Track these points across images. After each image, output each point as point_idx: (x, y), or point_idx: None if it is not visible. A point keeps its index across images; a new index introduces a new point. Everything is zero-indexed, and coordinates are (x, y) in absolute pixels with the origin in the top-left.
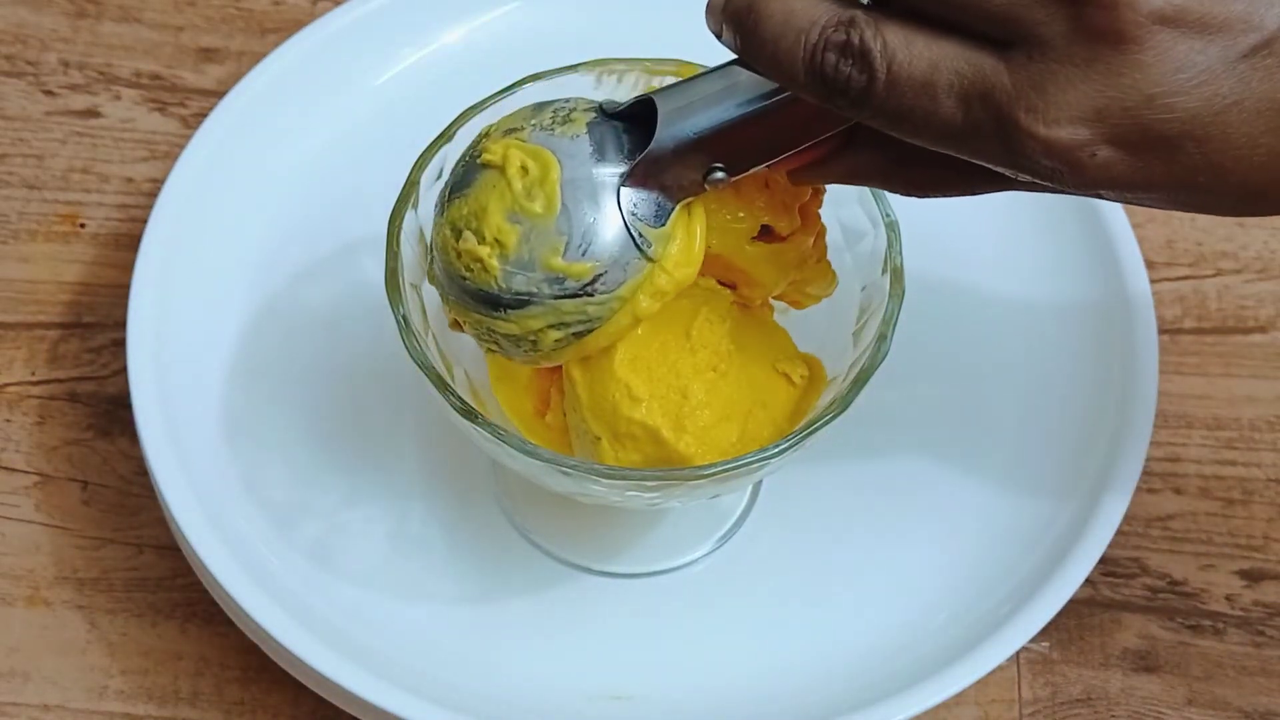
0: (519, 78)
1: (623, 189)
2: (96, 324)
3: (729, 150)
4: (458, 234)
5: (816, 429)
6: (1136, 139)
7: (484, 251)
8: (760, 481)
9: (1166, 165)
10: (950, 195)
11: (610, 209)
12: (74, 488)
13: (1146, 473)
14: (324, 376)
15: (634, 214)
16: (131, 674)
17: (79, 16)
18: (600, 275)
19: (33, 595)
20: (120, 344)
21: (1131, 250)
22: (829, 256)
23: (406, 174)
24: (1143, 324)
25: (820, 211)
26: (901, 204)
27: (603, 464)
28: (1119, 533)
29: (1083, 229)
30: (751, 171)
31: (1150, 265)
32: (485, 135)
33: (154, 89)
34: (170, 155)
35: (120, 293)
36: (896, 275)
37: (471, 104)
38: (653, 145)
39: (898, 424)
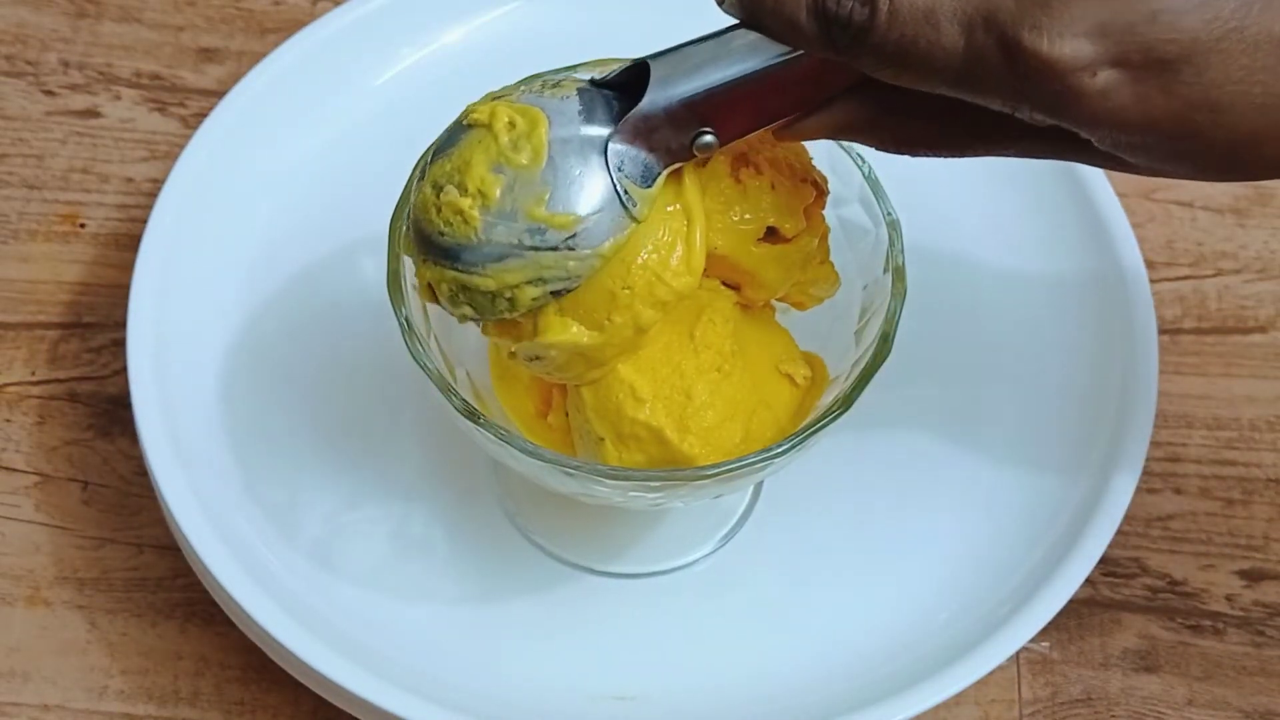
0: (519, 78)
1: (610, 146)
2: (96, 324)
3: (719, 113)
4: (438, 190)
5: (819, 428)
6: (1138, 60)
7: (465, 203)
8: (762, 482)
9: (1165, 96)
10: (940, 153)
11: (596, 164)
12: (74, 488)
13: (1146, 473)
14: (324, 377)
15: (620, 170)
16: (131, 674)
17: (79, 16)
18: (583, 228)
19: (33, 595)
20: (120, 344)
21: (1131, 251)
22: (831, 256)
23: (406, 174)
24: (1143, 324)
25: (823, 212)
26: (902, 205)
27: (606, 465)
28: (1119, 533)
29: (1083, 229)
30: (741, 138)
31: (1150, 265)
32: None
33: (154, 89)
34: (170, 155)
35: (120, 293)
36: (899, 274)
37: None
38: (643, 102)
39: (898, 425)
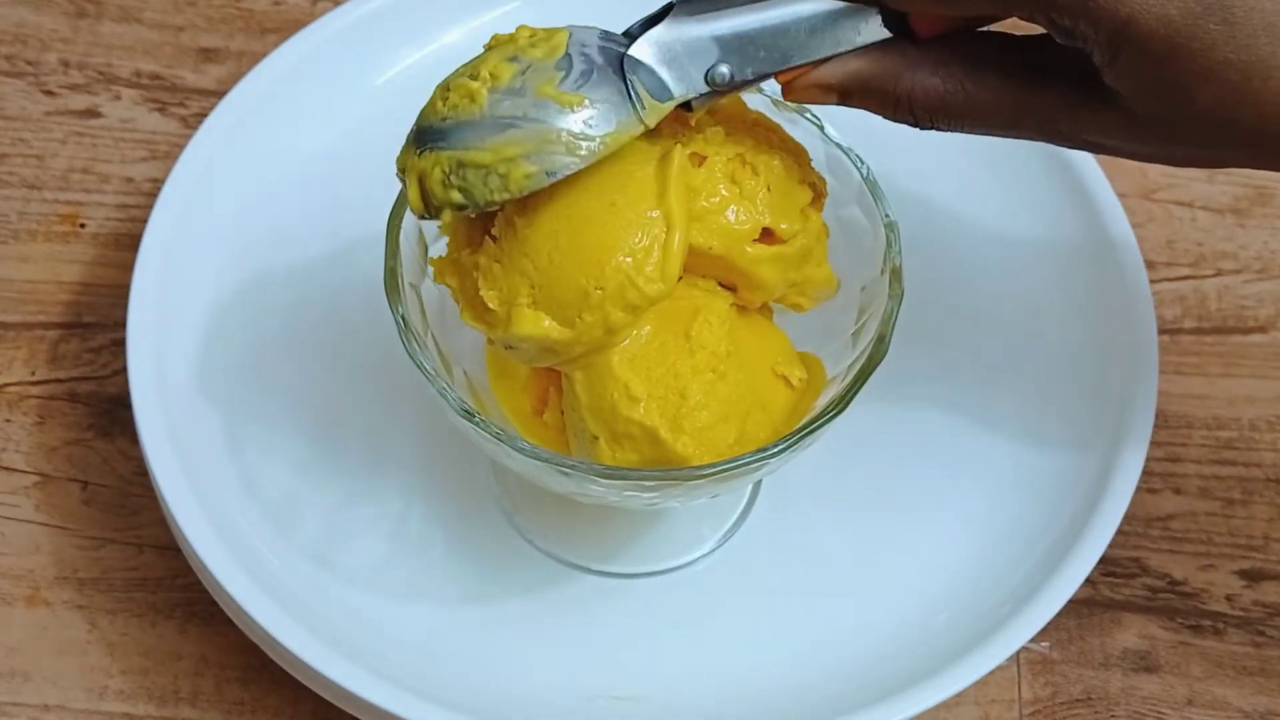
0: None
1: (627, 56)
2: (96, 324)
3: (738, 48)
4: (447, 87)
5: (813, 429)
6: None
7: (475, 85)
8: (760, 481)
9: (1189, 25)
10: (949, 120)
11: (612, 68)
12: (74, 488)
13: (1146, 473)
14: (324, 376)
15: (635, 76)
16: (131, 674)
17: (79, 16)
18: (590, 112)
19: (33, 595)
20: (120, 344)
21: (1131, 251)
22: (832, 260)
23: None
24: (1143, 324)
25: (820, 214)
26: (901, 205)
27: (600, 463)
28: (1119, 533)
29: (1083, 230)
30: (755, 81)
31: (1150, 265)
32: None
33: (154, 89)
34: (170, 155)
35: (120, 293)
36: (895, 275)
37: None
38: (664, 23)
39: (897, 425)
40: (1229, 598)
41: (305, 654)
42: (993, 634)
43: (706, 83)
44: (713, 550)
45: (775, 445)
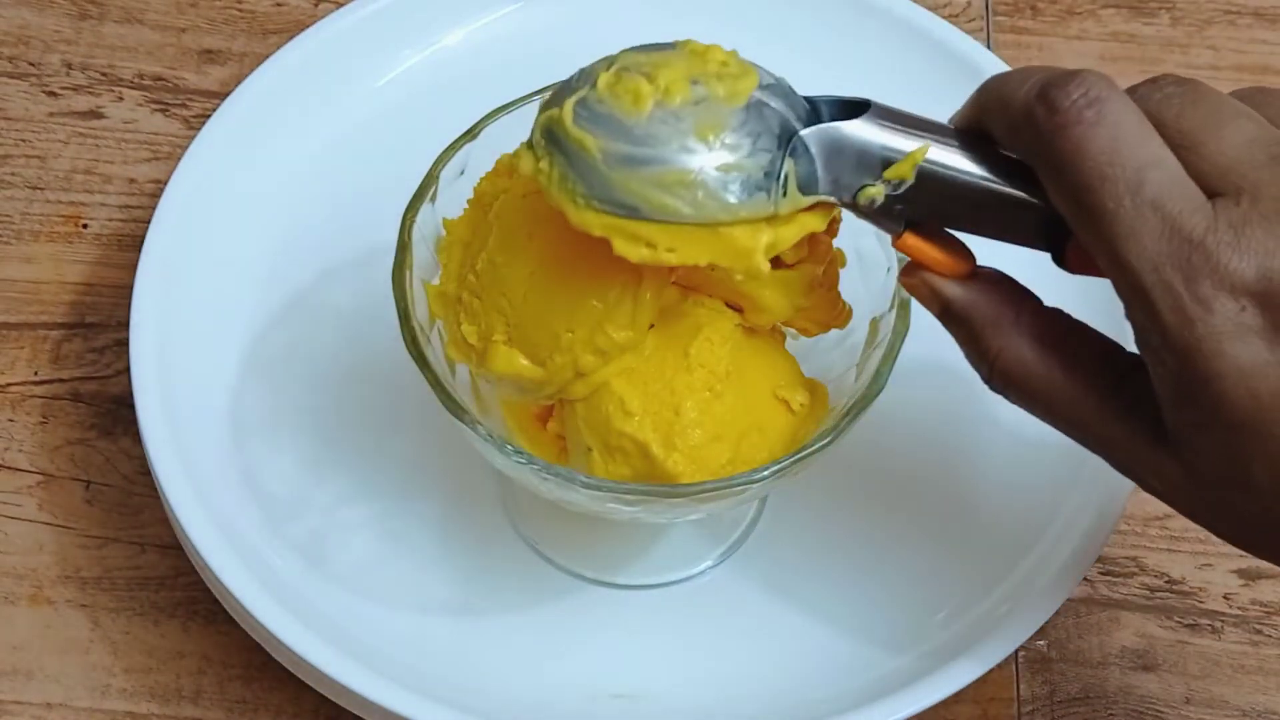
0: (525, 80)
1: (798, 136)
2: (99, 324)
3: (903, 179)
4: (623, 70)
5: (801, 458)
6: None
7: (646, 88)
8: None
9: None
10: (1023, 400)
11: (777, 140)
12: (77, 487)
13: None
14: (327, 376)
15: (794, 160)
16: (134, 672)
17: (81, 18)
18: (732, 176)
19: (36, 594)
20: (123, 344)
21: None
22: (844, 288)
23: (408, 174)
24: None
25: (836, 242)
26: None
27: (584, 473)
28: (1117, 532)
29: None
30: (896, 227)
31: None
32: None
33: (156, 90)
34: (173, 156)
35: (123, 293)
36: (903, 308)
37: (500, 105)
38: (852, 124)
39: (897, 425)
40: (1227, 597)
41: (307, 653)
42: (991, 633)
43: (853, 197)
44: (716, 565)
45: (761, 470)
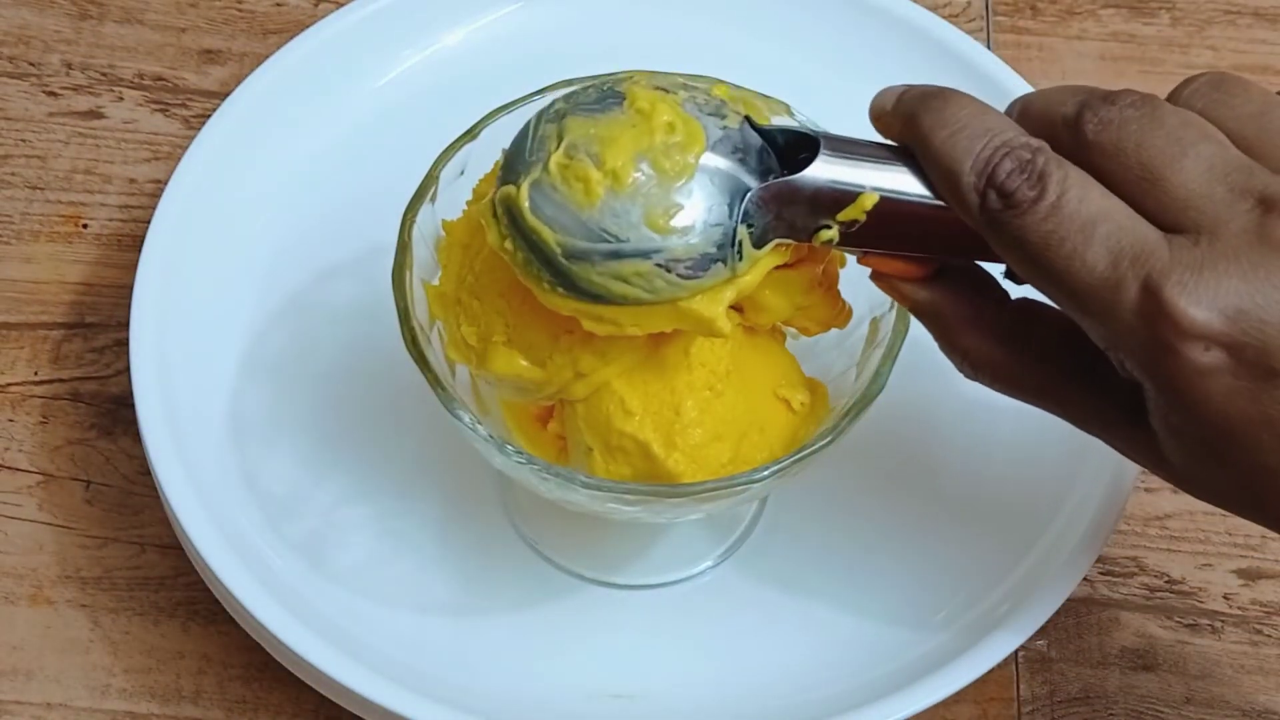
0: (525, 80)
1: (751, 194)
2: (99, 324)
3: (856, 220)
4: (572, 150)
5: (802, 458)
6: (1252, 357)
7: (595, 175)
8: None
9: (1248, 401)
10: (1001, 387)
11: (728, 208)
12: (77, 487)
13: (1144, 471)
14: (328, 376)
15: (744, 222)
16: (134, 672)
17: (82, 18)
18: (688, 259)
19: (36, 594)
20: (123, 344)
21: None
22: (844, 288)
23: (408, 175)
24: None
25: None
26: None
27: (582, 473)
28: (1117, 532)
29: None
30: (856, 251)
31: None
32: (627, 78)
33: (156, 90)
34: (173, 156)
35: (123, 293)
36: (903, 310)
37: (500, 105)
38: (803, 174)
39: (897, 425)
40: (1226, 597)
41: (307, 653)
42: (991, 633)
43: (809, 237)
44: (716, 565)
45: (761, 470)
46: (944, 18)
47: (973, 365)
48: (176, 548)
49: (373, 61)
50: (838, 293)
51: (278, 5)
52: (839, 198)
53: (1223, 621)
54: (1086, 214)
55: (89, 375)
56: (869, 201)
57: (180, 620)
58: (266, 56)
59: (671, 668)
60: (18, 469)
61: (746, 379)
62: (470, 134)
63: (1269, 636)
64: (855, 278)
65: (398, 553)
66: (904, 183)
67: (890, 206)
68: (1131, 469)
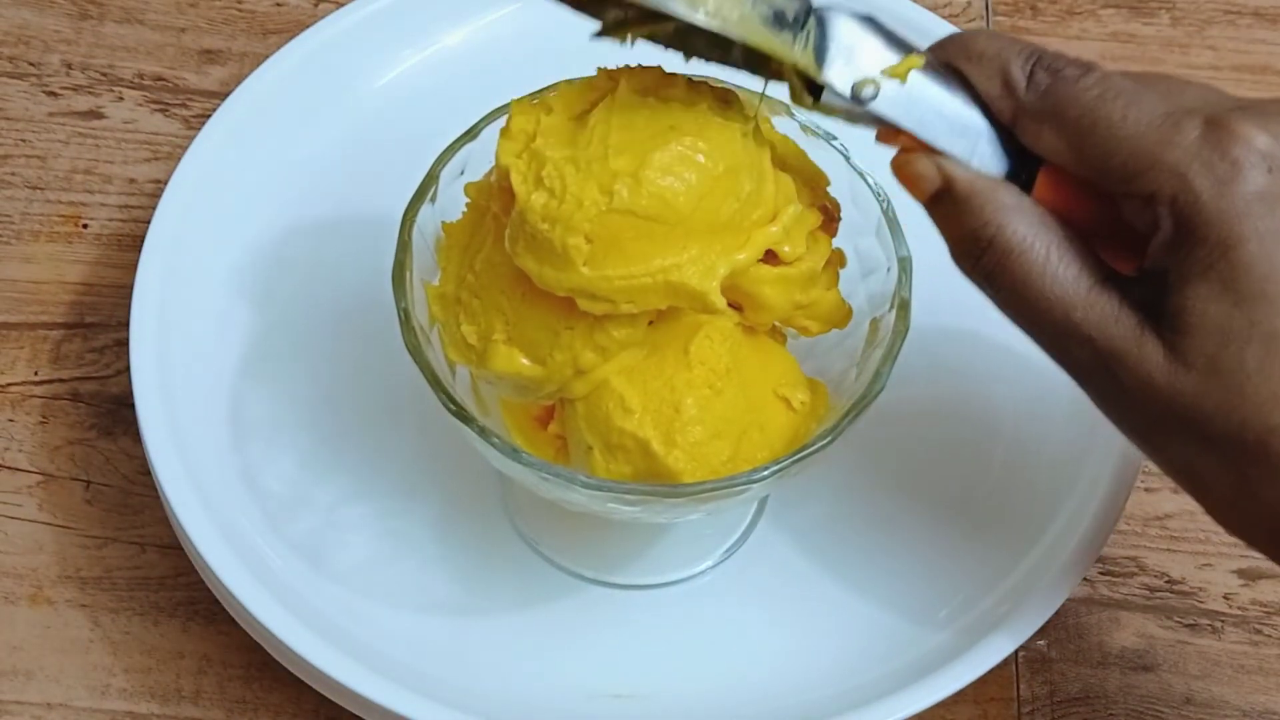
0: (525, 80)
1: (814, 11)
2: (99, 324)
3: (899, 90)
4: None
5: (802, 457)
6: None
7: None
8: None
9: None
10: (1005, 290)
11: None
12: (77, 487)
13: (1144, 471)
14: (328, 376)
15: (811, 27)
16: (134, 672)
17: (82, 18)
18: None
19: (36, 594)
20: (123, 344)
21: None
22: (844, 288)
23: (408, 175)
24: None
25: (835, 242)
26: (916, 239)
27: (583, 473)
28: (1117, 532)
29: None
30: (887, 121)
31: None
32: None
33: (156, 90)
34: (173, 156)
35: (123, 293)
36: (903, 309)
37: (500, 105)
38: (862, 19)
39: (897, 425)
40: (1226, 597)
41: (307, 652)
42: (991, 633)
43: (851, 89)
44: (716, 565)
45: (761, 470)
46: (944, 18)
47: (999, 248)
48: (176, 548)
49: (373, 61)
50: (838, 293)
51: (278, 5)
52: (886, 57)
53: (1223, 621)
54: (1133, 84)
55: (89, 375)
56: (917, 61)
57: (180, 620)
58: (266, 56)
59: (671, 668)
60: (18, 469)
61: (746, 377)
62: (470, 134)
63: (1269, 636)
64: (855, 277)
65: (398, 553)
66: (942, 77)
67: (928, 83)
68: (1132, 469)
